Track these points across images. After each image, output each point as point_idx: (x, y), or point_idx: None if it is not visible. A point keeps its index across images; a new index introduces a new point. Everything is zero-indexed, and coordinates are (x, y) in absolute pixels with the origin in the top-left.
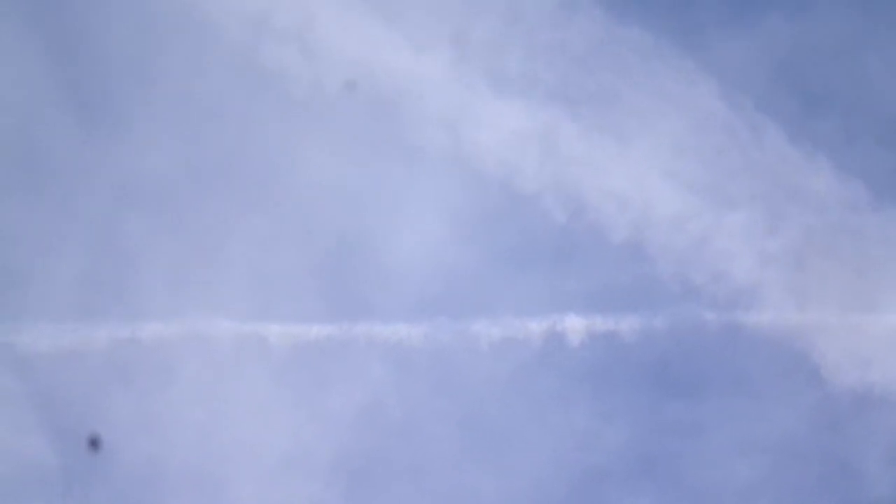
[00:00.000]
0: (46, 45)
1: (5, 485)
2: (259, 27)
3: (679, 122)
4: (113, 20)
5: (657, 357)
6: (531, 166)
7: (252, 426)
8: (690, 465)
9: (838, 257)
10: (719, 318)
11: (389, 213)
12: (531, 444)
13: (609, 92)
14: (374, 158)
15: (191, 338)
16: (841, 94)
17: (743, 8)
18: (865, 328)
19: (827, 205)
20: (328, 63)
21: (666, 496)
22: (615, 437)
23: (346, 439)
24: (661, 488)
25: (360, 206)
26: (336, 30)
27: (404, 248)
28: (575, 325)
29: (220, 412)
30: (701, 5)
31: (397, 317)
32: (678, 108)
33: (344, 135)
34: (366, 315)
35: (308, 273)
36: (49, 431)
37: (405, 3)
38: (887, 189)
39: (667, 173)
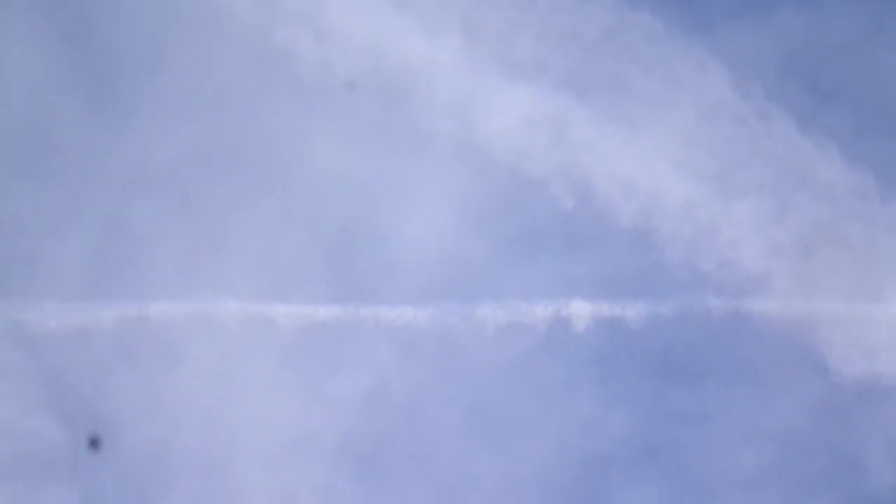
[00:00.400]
0: (56, 29)
1: (12, 463)
2: (271, 11)
3: (689, 110)
4: (122, 4)
5: (663, 344)
6: (540, 152)
7: (258, 407)
8: (695, 453)
9: (846, 247)
10: (726, 306)
11: (397, 196)
12: (536, 428)
13: (619, 79)
14: (383, 143)
15: (198, 318)
16: (851, 84)
17: None
18: (873, 318)
19: (836, 194)
20: (339, 48)
21: (670, 484)
22: (620, 423)
23: (351, 422)
24: (665, 476)
25: (368, 189)
26: (347, 14)
27: (412, 231)
28: (581, 310)
29: (226, 393)
30: None
31: (404, 300)
32: (688, 96)
33: (353, 119)
34: (373, 298)
35: (316, 255)
36: (56, 410)
37: None
38: None
39: (676, 160)
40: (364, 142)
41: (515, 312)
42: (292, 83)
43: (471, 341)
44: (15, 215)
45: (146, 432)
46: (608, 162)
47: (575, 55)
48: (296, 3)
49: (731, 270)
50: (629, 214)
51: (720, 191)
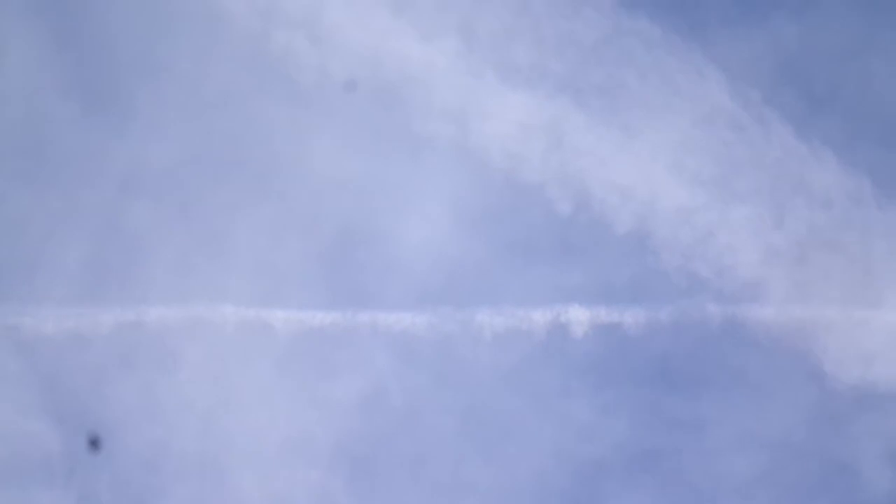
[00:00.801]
0: (53, 32)
1: (9, 467)
2: (267, 15)
3: (686, 115)
4: (119, 6)
5: (661, 350)
6: (537, 157)
7: (255, 412)
8: (692, 459)
9: (843, 253)
10: (723, 312)
11: (394, 201)
12: (532, 434)
13: (616, 84)
14: (380, 147)
15: (195, 322)
16: (848, 90)
17: (752, 2)
18: (870, 324)
19: (833, 200)
20: (336, 52)
21: (667, 490)
22: (617, 429)
23: (348, 427)
24: (662, 482)
25: (365, 194)
26: (344, 18)
27: (409, 236)
28: (579, 316)
29: (223, 397)
30: None
31: (401, 305)
32: (685, 101)
33: (350, 123)
34: (370, 303)
35: (313, 260)
36: (53, 414)
37: None
38: (893, 185)
39: (673, 166)
40: (361, 146)
41: (513, 318)
42: (289, 87)
43: (468, 347)
44: (12, 219)
45: (143, 436)
46: (605, 167)
47: (572, 60)
48: (293, 6)
49: (727, 276)
50: (626, 220)
51: (717, 196)
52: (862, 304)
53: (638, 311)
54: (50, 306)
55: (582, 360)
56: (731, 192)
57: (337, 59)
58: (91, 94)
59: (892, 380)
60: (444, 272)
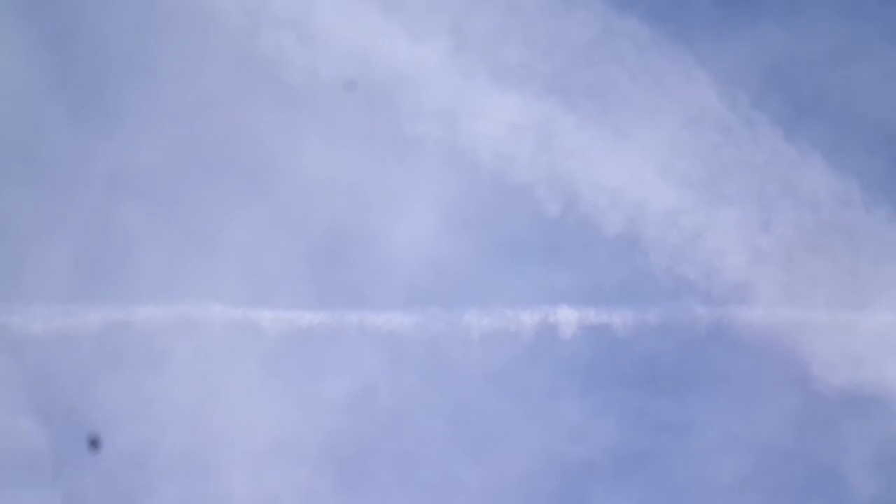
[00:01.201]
0: (41, 32)
1: None
2: (257, 15)
3: (675, 117)
4: (108, 6)
5: (649, 351)
6: (526, 158)
7: (243, 411)
8: (679, 461)
9: (831, 255)
10: (712, 314)
11: (384, 202)
12: (520, 435)
13: (606, 85)
14: (370, 147)
15: (183, 322)
16: (836, 94)
17: (741, 6)
18: (857, 326)
19: (820, 202)
20: (326, 51)
21: (654, 493)
22: (604, 431)
23: (336, 427)
24: (649, 484)
25: (354, 194)
26: (334, 18)
27: (398, 237)
28: (567, 317)
29: (211, 397)
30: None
31: (389, 305)
32: (675, 103)
33: (339, 123)
34: (358, 303)
35: (301, 260)
36: (40, 413)
37: None
38: (881, 188)
39: (662, 168)
40: (350, 146)
41: (501, 319)
42: (278, 87)
43: (456, 348)
44: (0, 218)
45: (131, 435)
46: (594, 169)
47: (562, 61)
48: (282, 6)
49: (716, 278)
50: (615, 221)
51: (706, 199)
52: (849, 306)
53: (626, 313)
54: (38, 305)
55: (570, 362)
56: (720, 195)
57: (327, 59)
58: (80, 93)
59: (880, 382)
60: (432, 272)
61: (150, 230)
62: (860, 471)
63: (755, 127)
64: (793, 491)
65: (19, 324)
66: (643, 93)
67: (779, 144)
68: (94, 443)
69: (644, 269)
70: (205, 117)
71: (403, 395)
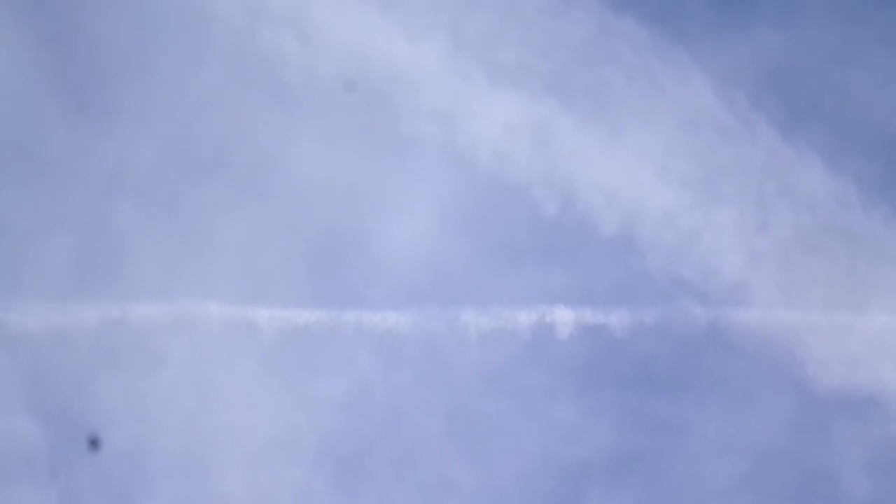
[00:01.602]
0: (38, 30)
1: None
2: (255, 14)
3: (672, 117)
4: (105, 5)
5: (645, 352)
6: (523, 158)
7: (240, 409)
8: (675, 462)
9: (828, 256)
10: (708, 315)
11: (381, 201)
12: (517, 435)
13: (603, 85)
14: (367, 147)
15: (180, 320)
16: (833, 95)
17: (738, 8)
18: (854, 327)
19: (817, 203)
20: (324, 51)
21: (650, 493)
22: (600, 431)
23: (333, 425)
24: (645, 485)
25: (351, 193)
26: (332, 18)
27: (395, 236)
28: (564, 317)
29: (208, 395)
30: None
31: (386, 304)
32: (672, 103)
33: (337, 123)
34: (355, 302)
35: (299, 259)
36: (36, 411)
37: None
38: (878, 188)
39: (659, 168)
40: (348, 145)
41: (498, 318)
42: (276, 87)
43: (453, 347)
44: None
45: (127, 433)
46: (591, 169)
47: (559, 62)
48: (280, 6)
49: (712, 279)
50: (612, 222)
51: (702, 199)
52: (846, 307)
53: (623, 313)
54: (35, 303)
55: (567, 362)
56: (717, 195)
57: (325, 59)
58: (78, 92)
59: (876, 384)
60: (429, 272)
61: (148, 228)
62: (856, 472)
63: (752, 128)
64: (788, 492)
65: (16, 321)
66: (640, 93)
67: (776, 145)
68: (94, 443)
69: (641, 269)
70: (202, 116)
71: (400, 394)
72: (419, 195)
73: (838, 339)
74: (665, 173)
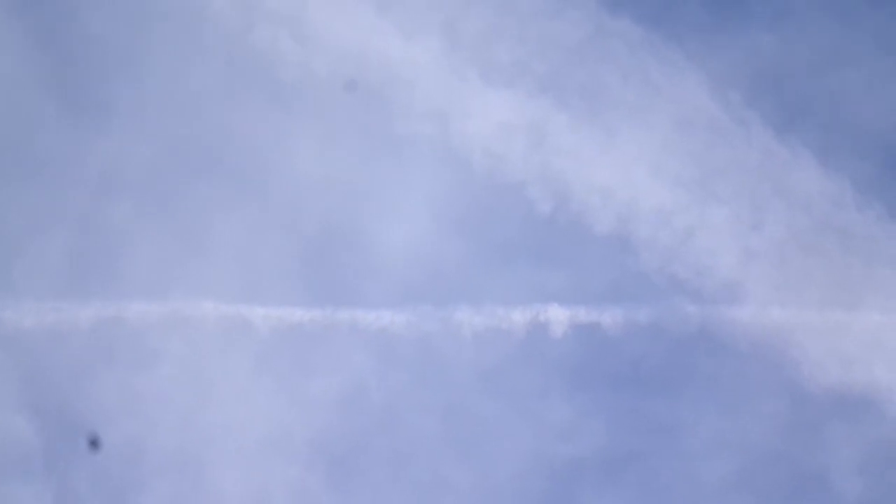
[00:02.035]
0: (32, 29)
1: None
2: (250, 13)
3: (667, 117)
4: (101, 2)
5: (639, 350)
6: (518, 157)
7: (234, 407)
8: (668, 461)
9: (822, 255)
10: (702, 313)
11: (376, 200)
12: (511, 434)
13: (598, 84)
14: (362, 146)
15: (175, 318)
16: (828, 95)
17: (733, 7)
18: (848, 327)
19: (812, 202)
20: (319, 50)
21: (643, 492)
22: (594, 430)
23: (327, 423)
24: (638, 484)
25: (346, 192)
26: (328, 16)
27: (390, 235)
28: (558, 315)
29: (202, 393)
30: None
31: (381, 303)
32: (666, 102)
33: (332, 122)
34: (350, 301)
35: (294, 258)
36: (31, 409)
37: None
38: (872, 187)
39: (653, 167)
40: (343, 144)
41: (492, 317)
42: (271, 85)
43: (448, 346)
44: None
45: (122, 431)
46: (586, 167)
47: (554, 61)
48: (276, 5)
49: (707, 278)
50: (606, 221)
51: (697, 198)
52: (841, 306)
53: (617, 312)
54: (30, 301)
55: (561, 361)
56: (711, 194)
57: (320, 57)
58: (72, 92)
59: (870, 383)
60: (424, 271)
61: (143, 227)
62: (849, 472)
63: (747, 127)
64: (782, 491)
65: (12, 319)
66: (635, 93)
67: (770, 145)
68: (94, 443)
69: (635, 268)
70: (198, 115)
71: (394, 393)
72: (414, 194)
73: (832, 339)
74: (659, 173)
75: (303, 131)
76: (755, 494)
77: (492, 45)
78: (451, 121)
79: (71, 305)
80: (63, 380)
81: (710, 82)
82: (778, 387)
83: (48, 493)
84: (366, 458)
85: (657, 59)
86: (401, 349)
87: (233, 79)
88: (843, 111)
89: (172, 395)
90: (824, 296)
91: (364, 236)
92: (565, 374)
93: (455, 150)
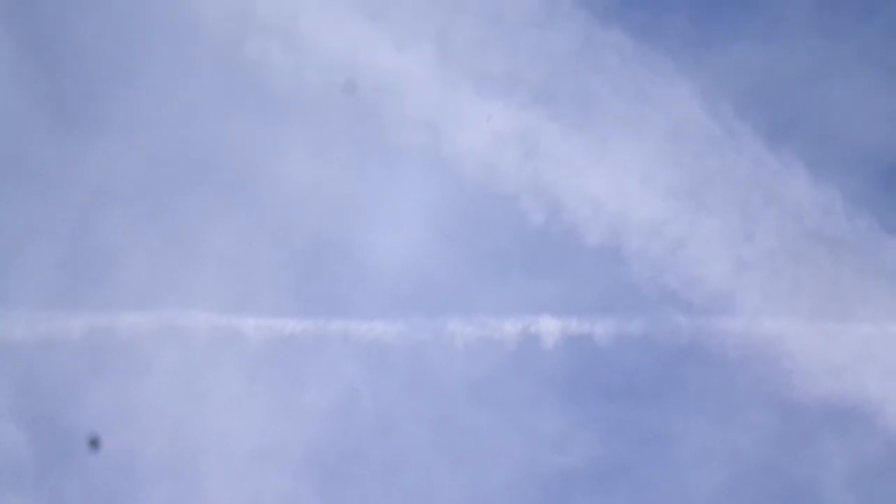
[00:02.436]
0: (24, 39)
1: None
2: (242, 23)
3: (658, 127)
4: (93, 12)
5: (630, 361)
6: (510, 167)
7: (226, 418)
8: (659, 471)
9: (813, 265)
10: (693, 324)
11: (368, 210)
12: (502, 444)
13: (590, 95)
14: (354, 155)
15: (167, 329)
16: (817, 105)
17: (723, 18)
18: (838, 337)
19: (803, 212)
20: (311, 60)
21: (635, 502)
22: (586, 441)
23: (319, 434)
24: (629, 494)
25: (338, 202)
26: (320, 26)
27: (382, 245)
28: (550, 326)
29: (194, 403)
30: (682, 11)
31: (373, 314)
32: (658, 113)
33: (324, 131)
34: (342, 311)
35: (286, 268)
36: (24, 418)
37: (389, 0)
38: (862, 198)
39: (645, 178)
40: (334, 154)
41: (484, 328)
42: (263, 95)
43: (439, 356)
44: None
45: (115, 441)
46: (578, 178)
47: (546, 71)
48: (268, 15)
49: (698, 288)
50: (598, 231)
51: (688, 208)
52: (831, 317)
53: (608, 323)
54: (22, 311)
55: (552, 371)
56: (702, 205)
57: (312, 67)
58: (65, 102)
59: (860, 393)
60: (416, 281)
61: (135, 237)
62: (839, 483)
63: (738, 138)
64: (773, 502)
65: (4, 329)
66: (626, 103)
67: (762, 155)
68: (94, 443)
69: (627, 278)
70: (189, 125)
71: (386, 403)
72: (406, 204)
73: (823, 350)
74: (651, 183)
75: (295, 141)
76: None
77: (484, 56)
78: (442, 131)
79: (63, 315)
80: (55, 389)
81: (701, 93)
82: (769, 397)
83: (40, 502)
84: (358, 468)
85: (648, 70)
86: (392, 359)
87: (225, 89)
88: (833, 122)
89: (164, 405)
90: (815, 306)
91: (356, 246)
92: (556, 384)
93: (447, 161)
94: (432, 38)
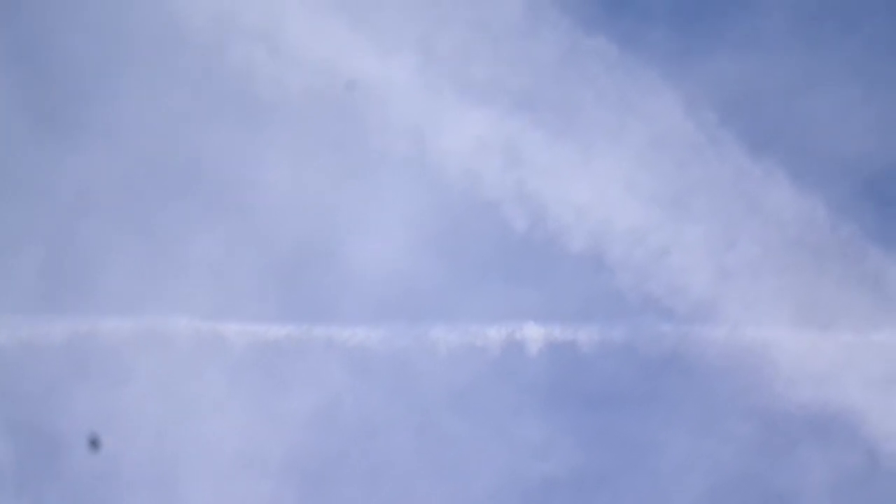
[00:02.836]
0: (6, 48)
1: None
2: (225, 29)
3: (641, 135)
4: (75, 17)
5: (613, 369)
6: (493, 174)
7: (208, 424)
8: (642, 479)
9: (795, 274)
10: (676, 332)
11: (351, 216)
12: (485, 451)
13: (573, 102)
14: (337, 162)
15: (149, 334)
16: (799, 115)
17: (707, 27)
18: (821, 346)
19: (785, 221)
20: (294, 66)
21: None
22: (568, 449)
23: (302, 440)
24: (611, 502)
25: (321, 208)
26: (304, 33)
27: (365, 251)
28: (533, 333)
29: (177, 409)
30: (666, 20)
31: (356, 320)
32: (641, 121)
33: (307, 138)
34: (325, 317)
35: (269, 274)
36: (4, 424)
37: (372, 6)
38: (844, 207)
39: (628, 185)
40: (317, 161)
41: (467, 335)
42: (246, 102)
43: (423, 363)
44: None
45: (96, 446)
46: (561, 185)
47: (529, 79)
48: (251, 21)
49: (681, 296)
50: (581, 238)
51: (671, 217)
52: (813, 326)
53: (592, 330)
54: (3, 316)
55: (536, 378)
56: (685, 213)
57: (295, 74)
58: (46, 108)
59: (843, 402)
60: (399, 288)
61: (117, 243)
62: (821, 492)
63: (721, 147)
64: None
65: None
66: (610, 111)
67: (744, 164)
68: (94, 442)
69: (610, 286)
70: (172, 131)
71: (369, 410)
72: (389, 211)
73: (805, 358)
74: (634, 191)
75: (278, 148)
76: None
77: (467, 63)
78: (426, 137)
79: (45, 321)
80: (37, 395)
81: (684, 102)
82: (751, 406)
83: None
84: (340, 474)
85: (632, 78)
86: (376, 366)
87: (208, 95)
88: (815, 132)
89: (147, 411)
90: (798, 315)
91: (339, 253)
92: (540, 391)
93: (430, 167)
94: (416, 45)
